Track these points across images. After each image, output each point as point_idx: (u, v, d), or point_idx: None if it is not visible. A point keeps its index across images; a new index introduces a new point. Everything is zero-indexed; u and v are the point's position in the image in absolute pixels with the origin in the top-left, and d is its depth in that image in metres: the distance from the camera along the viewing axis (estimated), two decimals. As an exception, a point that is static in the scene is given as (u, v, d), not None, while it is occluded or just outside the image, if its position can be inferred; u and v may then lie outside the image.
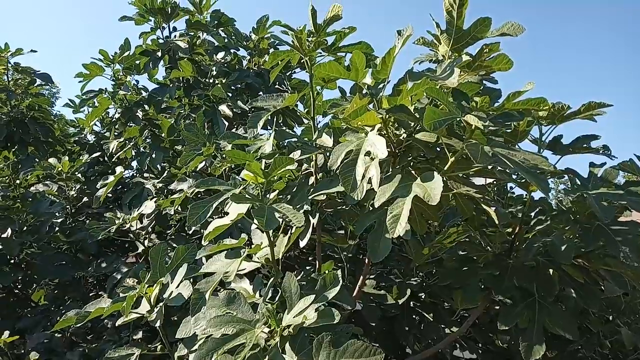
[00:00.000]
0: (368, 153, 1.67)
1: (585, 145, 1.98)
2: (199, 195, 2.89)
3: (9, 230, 3.12)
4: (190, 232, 2.96)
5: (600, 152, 1.94)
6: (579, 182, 1.90)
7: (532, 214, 2.19)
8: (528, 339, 1.82)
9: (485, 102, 1.45)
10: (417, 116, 1.59)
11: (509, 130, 1.91)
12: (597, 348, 2.68)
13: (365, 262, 2.26)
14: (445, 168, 1.62)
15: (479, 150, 1.34)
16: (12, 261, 3.25)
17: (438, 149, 1.80)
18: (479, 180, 2.09)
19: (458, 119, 1.44)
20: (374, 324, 2.41)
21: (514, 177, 2.13)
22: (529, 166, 1.33)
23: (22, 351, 2.38)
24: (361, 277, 2.24)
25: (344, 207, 2.48)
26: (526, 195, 2.10)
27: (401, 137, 1.84)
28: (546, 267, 1.92)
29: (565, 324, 1.84)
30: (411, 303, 2.57)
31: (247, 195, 1.80)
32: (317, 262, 2.42)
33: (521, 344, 1.83)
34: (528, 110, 1.53)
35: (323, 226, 2.70)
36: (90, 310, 1.95)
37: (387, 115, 1.72)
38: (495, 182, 2.33)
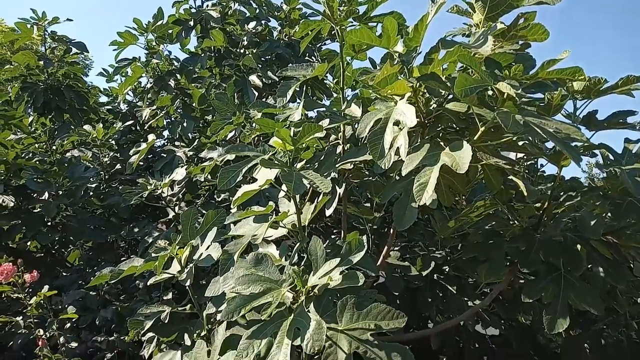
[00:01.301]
0: (397, 122, 1.68)
1: (621, 120, 1.92)
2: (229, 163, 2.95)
3: (47, 194, 3.26)
4: (219, 199, 3.02)
5: (637, 127, 1.89)
6: (612, 158, 1.86)
7: (562, 193, 2.16)
8: (552, 313, 1.82)
9: (518, 70, 1.43)
10: (449, 85, 1.58)
11: (542, 104, 1.88)
12: (622, 329, 2.65)
13: (390, 233, 2.28)
14: (475, 138, 1.61)
15: (510, 118, 1.33)
16: (50, 223, 3.39)
17: (468, 121, 1.79)
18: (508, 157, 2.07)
19: (490, 88, 1.42)
20: (397, 294, 2.44)
21: (547, 146, 2.10)
22: (561, 136, 1.32)
23: (60, 307, 2.50)
24: (385, 247, 2.26)
25: (371, 178, 2.50)
26: (557, 171, 2.07)
27: (431, 108, 1.83)
28: (574, 243, 1.90)
29: (590, 299, 1.83)
30: (435, 275, 2.58)
31: (275, 161, 1.83)
32: (342, 233, 2.45)
33: (545, 317, 1.82)
34: (563, 80, 1.50)
35: (349, 198, 2.73)
36: (124, 269, 2.04)
37: (418, 84, 1.71)
38: (525, 158, 2.30)
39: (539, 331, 2.96)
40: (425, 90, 1.79)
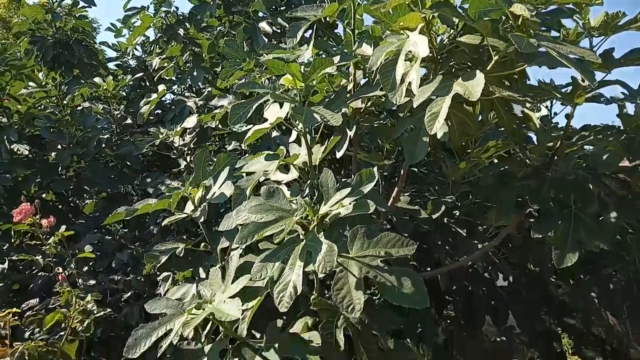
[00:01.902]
0: (409, 55, 1.66)
1: (639, 57, 1.89)
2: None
3: (60, 145, 3.30)
4: (230, 148, 3.04)
5: (655, 63, 1.85)
6: (627, 93, 1.84)
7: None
8: (561, 248, 1.84)
9: (533, -7, 1.40)
10: (462, 13, 1.55)
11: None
12: (631, 274, 2.67)
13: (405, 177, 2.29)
14: (488, 68, 1.59)
15: (524, 41, 1.31)
16: (64, 174, 3.45)
17: (482, 54, 1.76)
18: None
19: (502, 17, 1.40)
20: (406, 236, 2.46)
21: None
22: (576, 58, 1.30)
23: (77, 251, 2.57)
24: (395, 189, 2.28)
25: (382, 122, 2.49)
26: (570, 111, 2.05)
27: (444, 42, 1.81)
28: (586, 180, 1.90)
29: (601, 235, 1.84)
30: (445, 219, 2.60)
31: (286, 97, 1.83)
32: (352, 177, 2.46)
33: (554, 252, 1.84)
34: (579, 4, 1.47)
35: (359, 144, 2.73)
36: (138, 207, 2.08)
37: (430, 16, 1.68)
38: (538, 100, 2.27)
39: (548, 279, 3.00)
40: (438, 24, 1.76)
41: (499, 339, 3.10)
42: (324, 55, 2.44)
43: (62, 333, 1.82)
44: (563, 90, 2.00)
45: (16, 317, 2.04)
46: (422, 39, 1.56)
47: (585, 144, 2.04)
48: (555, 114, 2.81)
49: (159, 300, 1.53)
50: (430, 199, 2.66)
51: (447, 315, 3.06)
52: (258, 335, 1.75)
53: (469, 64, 1.91)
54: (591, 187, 1.91)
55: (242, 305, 1.41)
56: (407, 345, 1.88)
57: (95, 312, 1.90)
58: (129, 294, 2.60)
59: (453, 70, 1.87)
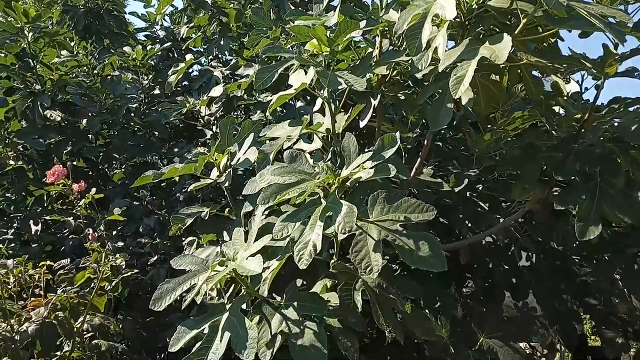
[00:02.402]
0: (436, 20, 1.64)
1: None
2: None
3: (90, 111, 3.39)
4: (255, 118, 3.06)
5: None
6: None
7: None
8: (584, 220, 1.82)
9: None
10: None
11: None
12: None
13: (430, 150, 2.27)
14: (516, 32, 1.56)
15: (553, 0, 1.28)
16: (94, 142, 3.54)
17: (510, 19, 1.73)
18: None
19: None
20: (428, 207, 2.46)
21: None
22: (606, 17, 1.26)
23: (106, 215, 2.65)
24: (418, 160, 2.27)
25: (407, 92, 2.47)
26: (600, 81, 2.00)
27: (473, 5, 1.77)
28: (613, 152, 1.86)
29: (627, 209, 1.81)
30: (467, 193, 2.58)
31: (311, 61, 1.83)
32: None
33: (576, 224, 1.82)
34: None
35: (383, 115, 2.71)
36: (165, 171, 2.13)
37: (459, -22, 1.65)
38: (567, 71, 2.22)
39: (570, 258, 2.96)
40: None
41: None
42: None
43: (92, 286, 1.90)
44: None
45: (49, 274, 2.14)
46: (450, 1, 1.54)
47: (614, 117, 1.99)
48: (586, 89, 2.73)
49: (184, 257, 1.59)
50: (453, 172, 2.64)
51: (465, 293, 3.06)
52: (278, 298, 1.80)
53: (497, 30, 1.88)
54: (619, 160, 1.87)
55: (264, 263, 1.44)
56: (425, 314, 1.90)
57: (123, 272, 1.97)
58: (155, 257, 2.68)
59: (481, 36, 1.84)
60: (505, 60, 1.41)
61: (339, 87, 1.73)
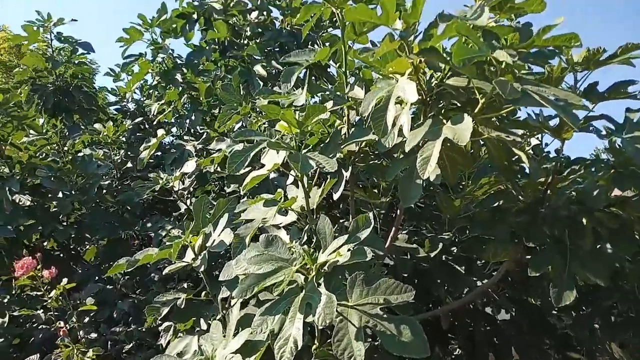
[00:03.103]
0: (399, 99, 1.70)
1: (622, 90, 1.93)
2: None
3: (61, 192, 3.34)
4: (229, 191, 3.07)
5: (638, 97, 1.90)
6: (613, 128, 1.88)
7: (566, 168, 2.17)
8: (558, 286, 1.84)
9: (515, 39, 1.45)
10: (448, 59, 1.60)
11: (542, 78, 1.89)
12: (631, 305, 2.66)
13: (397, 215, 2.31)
14: (476, 111, 1.64)
15: (508, 86, 1.35)
16: (65, 221, 3.47)
17: (469, 95, 1.81)
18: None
19: (487, 59, 1.45)
20: (405, 276, 2.47)
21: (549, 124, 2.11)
22: (560, 102, 1.34)
23: (78, 301, 2.57)
24: (393, 229, 2.29)
25: (377, 161, 2.53)
26: (559, 145, 2.09)
27: (432, 84, 1.85)
28: (578, 215, 1.92)
29: (596, 270, 1.85)
30: (443, 257, 2.60)
31: (282, 144, 1.87)
32: (350, 218, 2.48)
33: (552, 290, 1.84)
34: (559, 47, 1.52)
35: (356, 183, 2.76)
36: (139, 258, 2.09)
37: (418, 61, 1.73)
38: (528, 135, 2.31)
39: (548, 312, 2.98)
40: (425, 68, 1.82)
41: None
42: (318, 98, 2.50)
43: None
44: (552, 122, 2.05)
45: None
46: (411, 85, 1.61)
47: (576, 177, 2.06)
48: (547, 144, 2.86)
49: (162, 358, 1.53)
50: (427, 236, 2.67)
51: (451, 350, 3.03)
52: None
53: (458, 104, 1.97)
54: (584, 221, 1.92)
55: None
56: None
57: (97, 366, 1.89)
58: (131, 344, 2.58)
59: (443, 110, 1.91)
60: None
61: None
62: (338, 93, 2.28)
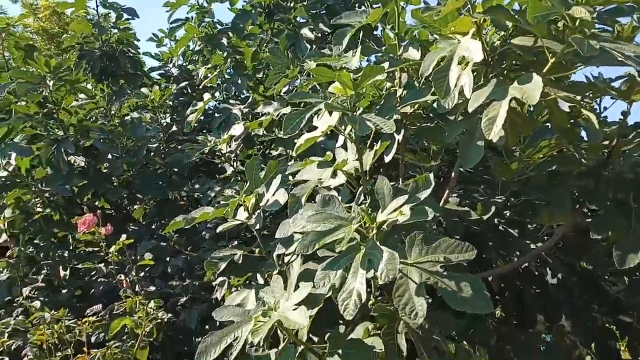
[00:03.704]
0: (462, 59, 1.66)
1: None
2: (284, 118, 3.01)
3: (110, 154, 3.45)
4: (276, 154, 3.10)
5: None
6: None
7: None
8: (622, 248, 1.80)
9: (592, -6, 1.38)
10: (516, 17, 1.54)
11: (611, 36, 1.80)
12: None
13: (450, 178, 2.29)
14: (544, 71, 1.58)
15: (585, 43, 1.30)
16: (116, 182, 3.59)
17: (534, 56, 1.75)
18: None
19: (560, 15, 1.39)
20: (457, 238, 2.45)
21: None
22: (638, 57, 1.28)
23: (134, 257, 2.68)
24: (446, 191, 2.28)
25: (429, 124, 2.49)
26: (626, 107, 2.01)
27: (495, 44, 1.80)
28: (646, 178, 1.86)
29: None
30: (495, 220, 2.58)
31: (339, 105, 1.86)
32: (400, 180, 2.47)
33: (614, 252, 1.81)
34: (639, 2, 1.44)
35: (405, 146, 2.74)
36: (196, 216, 2.15)
37: (482, 20, 1.68)
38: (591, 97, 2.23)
39: (601, 277, 2.93)
40: (488, 26, 1.76)
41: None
42: (371, 61, 2.47)
43: (133, 341, 1.91)
44: (615, 85, 1.97)
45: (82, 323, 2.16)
46: (476, 44, 1.57)
47: (642, 140, 1.99)
48: (605, 108, 2.75)
49: (225, 309, 1.59)
50: (479, 200, 2.64)
51: (493, 314, 3.04)
52: (315, 339, 1.80)
53: (519, 65, 1.91)
54: (652, 185, 1.86)
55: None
56: (466, 349, 1.89)
57: (158, 317, 1.98)
58: (185, 298, 2.69)
59: (505, 72, 1.86)
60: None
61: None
62: (391, 55, 2.24)
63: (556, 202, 2.10)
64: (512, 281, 2.79)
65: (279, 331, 1.71)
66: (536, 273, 2.85)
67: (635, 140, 2.01)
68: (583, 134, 2.22)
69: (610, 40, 1.39)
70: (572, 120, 2.05)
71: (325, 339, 1.69)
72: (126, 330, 2.27)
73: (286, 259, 2.08)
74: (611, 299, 2.86)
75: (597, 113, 2.81)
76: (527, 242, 2.48)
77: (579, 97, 1.60)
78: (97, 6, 4.54)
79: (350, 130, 2.08)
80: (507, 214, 2.64)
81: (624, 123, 1.99)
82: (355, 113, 1.95)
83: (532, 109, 2.13)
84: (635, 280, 2.78)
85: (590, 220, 2.14)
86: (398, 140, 2.19)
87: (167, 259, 2.98)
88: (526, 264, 2.84)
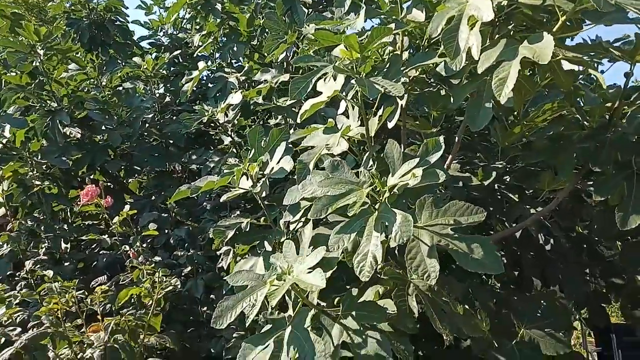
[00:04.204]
0: (472, 19, 1.64)
1: None
2: (283, 85, 2.97)
3: (103, 126, 3.39)
4: (275, 122, 3.07)
5: None
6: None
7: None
8: (624, 210, 1.83)
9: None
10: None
11: None
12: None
13: (453, 143, 2.29)
14: (555, 29, 1.57)
15: (602, 0, 1.29)
16: (113, 154, 3.55)
17: (543, 15, 1.74)
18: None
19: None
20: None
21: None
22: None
23: (136, 227, 2.67)
24: (450, 156, 2.28)
25: (431, 89, 2.48)
26: (630, 68, 2.01)
27: (502, 4, 1.77)
28: (648, 139, 1.88)
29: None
30: (496, 185, 2.60)
31: (346, 69, 1.84)
32: (401, 146, 2.47)
33: (617, 214, 1.84)
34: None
35: (406, 112, 2.73)
36: (202, 185, 2.14)
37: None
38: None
39: (594, 242, 2.99)
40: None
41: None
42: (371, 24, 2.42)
43: (142, 310, 1.92)
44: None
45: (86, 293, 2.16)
46: (486, 2, 1.54)
47: (645, 102, 2.00)
48: (602, 72, 2.74)
49: (239, 274, 1.60)
50: (480, 165, 2.66)
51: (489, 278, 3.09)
52: (323, 304, 1.83)
53: (525, 26, 1.89)
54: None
55: (323, 275, 1.46)
56: (471, 312, 1.93)
57: (171, 283, 1.99)
58: (189, 268, 2.70)
59: (512, 32, 1.84)
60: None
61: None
62: (394, 17, 2.20)
63: (561, 166, 2.11)
64: (509, 246, 2.83)
65: (286, 297, 1.74)
66: (534, 236, 2.90)
67: (637, 102, 2.02)
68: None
69: (624, -4, 1.38)
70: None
71: (336, 302, 1.72)
72: (132, 301, 2.29)
73: (292, 227, 2.09)
74: (605, 263, 2.92)
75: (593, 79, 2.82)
76: (527, 207, 2.51)
77: (587, 58, 1.59)
78: (82, -28, 4.40)
79: (354, 96, 2.07)
80: (507, 180, 2.66)
81: (627, 83, 1.99)
82: (361, 77, 1.93)
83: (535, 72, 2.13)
84: (628, 243, 2.84)
85: (591, 183, 2.17)
86: (401, 105, 2.18)
87: (169, 230, 2.98)
88: (523, 229, 2.89)
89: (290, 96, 1.81)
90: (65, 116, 3.09)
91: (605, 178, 1.93)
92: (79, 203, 2.44)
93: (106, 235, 2.50)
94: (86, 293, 1.97)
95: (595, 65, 1.86)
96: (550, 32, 1.60)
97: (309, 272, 1.42)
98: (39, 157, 3.07)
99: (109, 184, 3.52)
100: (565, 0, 1.53)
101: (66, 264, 2.83)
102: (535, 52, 1.45)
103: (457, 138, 2.21)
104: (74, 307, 1.80)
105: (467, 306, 2.39)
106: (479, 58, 1.59)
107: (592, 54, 1.87)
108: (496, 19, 1.80)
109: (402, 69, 1.93)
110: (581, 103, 2.20)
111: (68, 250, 2.91)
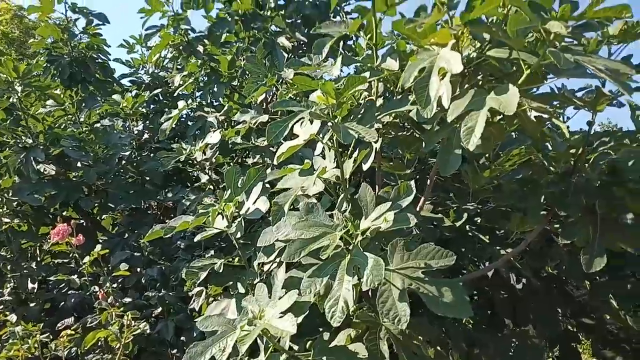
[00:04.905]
0: (441, 70, 1.72)
1: (657, 63, 1.95)
2: (262, 125, 3.01)
3: (80, 163, 3.36)
4: (253, 162, 3.10)
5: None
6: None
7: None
8: (589, 252, 1.89)
9: (566, 10, 1.46)
10: (494, 29, 1.61)
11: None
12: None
13: (425, 185, 2.34)
14: (520, 82, 1.65)
15: (561, 56, 1.37)
16: (86, 191, 3.51)
17: (509, 67, 1.82)
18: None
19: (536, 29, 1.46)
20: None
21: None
22: (610, 71, 1.36)
23: (107, 267, 2.62)
24: (422, 198, 2.33)
25: (404, 132, 2.55)
26: (591, 117, 2.11)
27: (471, 56, 1.86)
28: (611, 185, 1.96)
29: (629, 237, 1.89)
30: (467, 226, 2.65)
31: (322, 114, 1.89)
32: (377, 188, 2.52)
33: (582, 257, 1.89)
34: (609, 18, 1.53)
35: (381, 154, 2.79)
36: (176, 225, 2.13)
37: (460, 32, 1.74)
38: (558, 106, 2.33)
39: (565, 281, 3.05)
40: (465, 38, 1.82)
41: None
42: (347, 71, 2.50)
43: (108, 355, 1.86)
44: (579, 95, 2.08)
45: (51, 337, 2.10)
46: (456, 56, 1.62)
47: (606, 149, 2.09)
48: (568, 118, 2.86)
49: (209, 318, 1.58)
50: (452, 207, 2.71)
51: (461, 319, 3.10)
52: (295, 347, 1.81)
53: (492, 77, 1.98)
54: (615, 192, 1.96)
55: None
56: (443, 354, 1.93)
57: (139, 327, 1.95)
58: (160, 309, 2.65)
59: (480, 82, 1.93)
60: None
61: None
62: (369, 65, 2.29)
63: (530, 209, 2.18)
64: (482, 286, 2.87)
65: (258, 340, 1.72)
66: (504, 279, 2.94)
67: (599, 148, 2.12)
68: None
69: (583, 53, 1.47)
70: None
71: (308, 346, 1.70)
72: (100, 344, 2.23)
73: (265, 268, 2.09)
74: (575, 303, 2.97)
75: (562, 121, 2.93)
76: (497, 248, 2.56)
77: (551, 109, 1.67)
78: (66, 10, 4.46)
79: (330, 139, 2.12)
80: (478, 221, 2.71)
81: (589, 131, 2.08)
82: (336, 122, 1.99)
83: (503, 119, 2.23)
84: (596, 283, 2.90)
85: (558, 226, 2.24)
86: (376, 148, 2.23)
87: (141, 269, 2.93)
88: (495, 269, 2.93)
89: (267, 140, 1.84)
90: (40, 153, 3.07)
91: (572, 222, 2.00)
92: (49, 240, 2.40)
93: (75, 275, 2.45)
94: (51, 337, 1.91)
95: (560, 112, 1.95)
96: (516, 83, 1.69)
97: (280, 317, 1.42)
98: (10, 194, 3.02)
99: (81, 221, 3.47)
100: (529, 55, 1.62)
101: (32, 304, 2.74)
102: (501, 103, 1.52)
103: (429, 180, 2.26)
104: (36, 351, 1.74)
105: (439, 347, 2.40)
106: (449, 107, 1.66)
107: (556, 103, 1.99)
108: (465, 70, 1.88)
109: (376, 114, 1.99)
110: (549, 147, 2.30)
111: (35, 290, 2.82)
